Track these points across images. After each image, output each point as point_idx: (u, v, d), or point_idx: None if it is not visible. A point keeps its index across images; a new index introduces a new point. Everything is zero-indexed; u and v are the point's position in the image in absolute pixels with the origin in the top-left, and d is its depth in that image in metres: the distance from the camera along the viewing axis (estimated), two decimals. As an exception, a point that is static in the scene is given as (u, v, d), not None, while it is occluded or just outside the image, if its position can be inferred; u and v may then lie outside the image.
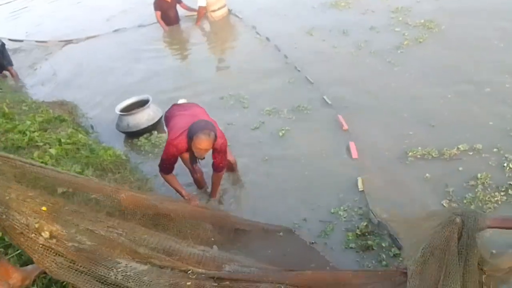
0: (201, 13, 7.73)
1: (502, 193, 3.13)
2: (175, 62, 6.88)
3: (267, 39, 6.64)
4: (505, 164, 3.37)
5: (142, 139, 4.74)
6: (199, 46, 7.22)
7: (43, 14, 10.60)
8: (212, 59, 6.78)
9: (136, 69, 6.65)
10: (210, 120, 3.19)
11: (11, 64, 7.03)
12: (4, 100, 4.93)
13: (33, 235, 1.82)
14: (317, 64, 5.59)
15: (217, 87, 5.57)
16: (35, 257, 1.92)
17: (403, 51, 5.42)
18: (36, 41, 8.22)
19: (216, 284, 2.05)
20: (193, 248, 2.32)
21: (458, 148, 3.61)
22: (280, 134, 4.36)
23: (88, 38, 8.21)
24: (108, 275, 1.87)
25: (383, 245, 2.99)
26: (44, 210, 1.87)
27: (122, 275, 1.88)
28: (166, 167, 3.20)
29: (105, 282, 1.87)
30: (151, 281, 1.91)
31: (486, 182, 3.25)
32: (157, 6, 7.69)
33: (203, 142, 2.95)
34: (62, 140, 3.86)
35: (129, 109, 4.85)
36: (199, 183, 3.72)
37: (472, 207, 3.06)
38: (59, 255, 1.93)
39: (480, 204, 3.09)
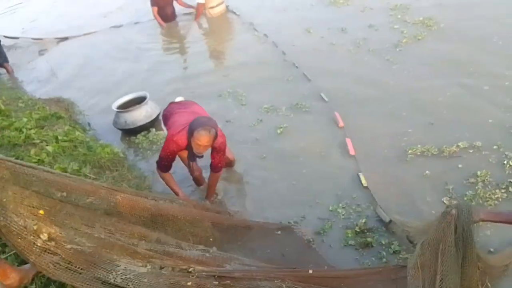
0: (200, 10, 7.69)
1: (502, 191, 3.12)
2: (172, 59, 6.83)
3: (265, 35, 6.62)
4: (505, 162, 3.36)
5: (139, 136, 4.71)
6: (197, 43, 7.17)
7: (39, 10, 10.53)
8: (210, 56, 6.74)
9: (132, 66, 6.61)
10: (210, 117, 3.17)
11: (7, 61, 6.98)
12: (0, 97, 4.87)
13: (31, 237, 1.80)
14: (315, 62, 5.56)
15: (215, 85, 5.54)
16: (32, 258, 1.89)
17: (401, 49, 5.41)
18: (32, 38, 8.14)
19: (217, 282, 2.03)
20: (193, 248, 2.30)
21: (457, 145, 3.61)
22: (278, 131, 4.34)
23: (84, 34, 8.15)
24: (107, 277, 1.85)
25: (383, 242, 2.98)
26: (41, 214, 1.83)
27: (122, 278, 1.86)
28: (164, 164, 3.17)
29: (104, 283, 1.84)
30: (151, 282, 1.88)
31: (486, 179, 3.25)
32: (154, 2, 7.65)
33: (203, 138, 2.92)
34: (59, 138, 3.82)
35: (126, 106, 4.81)
36: (198, 181, 3.70)
37: (473, 204, 3.06)
38: (57, 256, 1.91)
39: (481, 202, 3.07)
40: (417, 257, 2.18)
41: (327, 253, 2.96)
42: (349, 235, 3.08)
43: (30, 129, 3.97)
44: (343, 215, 3.27)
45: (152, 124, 4.81)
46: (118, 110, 4.69)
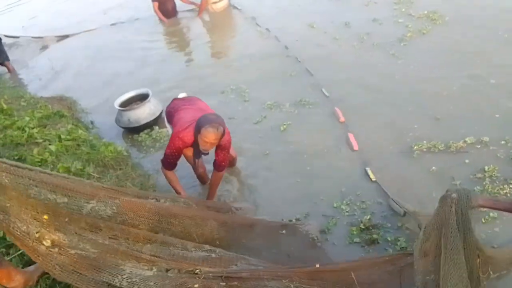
0: (204, 5, 7.61)
1: (511, 186, 3.09)
2: (174, 55, 6.78)
3: (267, 30, 6.56)
4: (513, 157, 3.33)
5: (142, 134, 4.68)
6: (198, 38, 7.11)
7: (38, 7, 10.46)
8: (212, 52, 6.68)
9: (134, 62, 6.56)
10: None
11: (8, 59, 6.95)
12: (2, 96, 4.86)
13: (34, 243, 1.77)
14: (319, 57, 5.51)
15: (217, 81, 5.50)
16: (39, 260, 1.87)
17: (406, 43, 5.35)
18: (33, 37, 8.10)
19: (224, 283, 2.00)
20: (199, 249, 2.27)
21: (465, 141, 3.57)
22: (282, 128, 4.31)
23: (85, 32, 8.10)
24: (113, 281, 1.83)
25: (389, 238, 2.96)
26: (45, 219, 1.80)
27: (127, 282, 1.84)
28: (170, 162, 3.12)
29: (110, 286, 1.82)
30: (157, 285, 1.86)
31: (494, 174, 3.22)
32: (155, -4, 7.56)
33: (211, 135, 2.88)
34: (62, 136, 3.79)
35: (128, 103, 4.78)
36: (202, 179, 3.67)
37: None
38: (62, 259, 1.89)
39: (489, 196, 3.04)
40: (421, 243, 2.17)
41: (332, 251, 2.94)
42: (354, 232, 3.06)
43: (33, 128, 3.95)
44: (347, 212, 3.24)
45: (156, 121, 4.78)
46: (121, 108, 4.65)
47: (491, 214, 2.88)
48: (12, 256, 2.39)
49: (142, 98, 4.82)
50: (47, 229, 1.91)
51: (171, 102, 3.47)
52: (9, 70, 6.98)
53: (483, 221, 2.86)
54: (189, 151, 3.29)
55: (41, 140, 3.74)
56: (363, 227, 3.08)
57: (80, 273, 1.92)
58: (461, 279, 1.93)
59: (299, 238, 3.04)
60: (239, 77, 5.43)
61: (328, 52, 5.60)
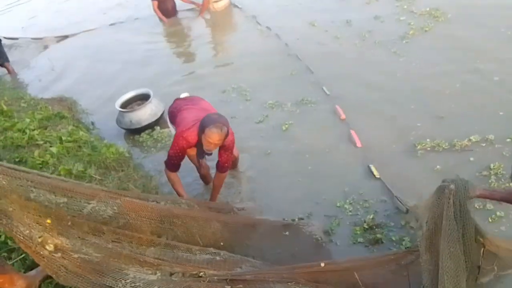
0: (206, 5, 7.55)
1: (517, 183, 3.05)
2: (174, 54, 6.75)
3: (268, 28, 6.52)
4: (519, 154, 3.30)
5: (144, 135, 4.65)
6: (199, 38, 7.06)
7: (38, 7, 10.43)
8: (212, 51, 6.64)
9: (134, 62, 6.52)
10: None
11: (8, 60, 6.92)
12: (2, 97, 4.83)
13: (37, 247, 1.75)
14: (320, 56, 5.47)
15: (218, 80, 5.46)
16: (43, 262, 1.85)
17: (408, 41, 5.31)
18: (32, 38, 8.07)
19: (229, 287, 1.98)
20: (203, 251, 2.25)
21: (469, 139, 3.54)
22: (283, 128, 4.28)
23: (84, 32, 8.07)
24: (116, 286, 1.80)
25: (393, 238, 2.94)
26: (48, 223, 1.78)
27: (131, 286, 1.81)
28: (173, 163, 3.08)
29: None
30: (161, 288, 1.84)
31: (500, 172, 3.19)
32: (154, -5, 7.52)
33: (215, 136, 2.84)
34: (63, 138, 3.76)
35: (128, 104, 4.75)
36: (205, 179, 3.65)
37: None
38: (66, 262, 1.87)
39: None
40: (426, 239, 2.15)
41: (336, 252, 2.92)
42: (358, 232, 3.04)
43: (33, 129, 3.92)
44: (350, 211, 3.22)
45: (157, 122, 4.75)
46: (123, 110, 4.61)
47: (497, 213, 2.85)
48: (14, 260, 2.37)
49: (142, 98, 4.78)
50: (50, 233, 1.89)
51: (174, 102, 3.44)
52: (9, 71, 6.95)
53: (490, 220, 2.84)
54: (193, 151, 3.26)
55: (42, 142, 3.71)
56: (366, 226, 3.06)
57: (84, 277, 1.90)
58: (458, 273, 1.91)
59: (303, 238, 3.03)
60: (240, 76, 5.40)
61: (329, 51, 5.57)
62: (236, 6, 7.75)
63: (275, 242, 2.91)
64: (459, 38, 5.10)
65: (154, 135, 4.62)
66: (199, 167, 3.54)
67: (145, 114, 4.62)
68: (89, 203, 2.16)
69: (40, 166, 3.29)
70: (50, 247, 1.81)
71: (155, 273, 2.07)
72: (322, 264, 2.34)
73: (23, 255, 2.42)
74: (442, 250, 1.95)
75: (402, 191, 3.25)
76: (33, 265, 2.35)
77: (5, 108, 4.39)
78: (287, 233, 3.01)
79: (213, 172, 3.49)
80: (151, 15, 7.80)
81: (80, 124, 4.72)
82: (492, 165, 3.24)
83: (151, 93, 4.74)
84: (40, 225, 1.78)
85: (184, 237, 2.51)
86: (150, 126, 4.69)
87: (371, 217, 3.10)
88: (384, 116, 4.14)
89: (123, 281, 1.88)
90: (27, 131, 3.85)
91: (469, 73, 4.44)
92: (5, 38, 7.30)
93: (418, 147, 3.62)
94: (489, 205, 2.92)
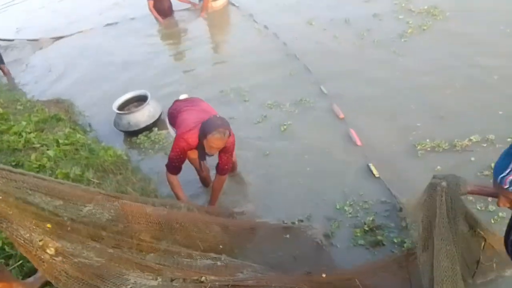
0: (206, 4, 7.47)
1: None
2: (171, 55, 6.71)
3: (266, 27, 6.49)
4: (520, 154, 3.27)
5: (141, 136, 4.61)
6: (196, 37, 7.00)
7: (33, 7, 10.34)
8: (210, 51, 6.59)
9: (130, 63, 6.46)
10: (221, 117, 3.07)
11: (3, 62, 6.85)
12: (-3, 100, 4.77)
13: (38, 251, 1.71)
14: (318, 55, 5.45)
15: (216, 80, 5.42)
16: (43, 267, 1.82)
17: (407, 39, 5.29)
18: (28, 40, 8.00)
19: (231, 292, 1.95)
20: (203, 257, 2.22)
21: (470, 139, 3.52)
22: (282, 129, 4.24)
23: (80, 33, 8.00)
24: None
25: (395, 240, 2.92)
26: (49, 227, 1.75)
27: (132, 292, 1.78)
28: (175, 166, 3.04)
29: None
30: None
31: (501, 171, 3.16)
32: (150, -5, 7.46)
33: (218, 142, 2.84)
34: (60, 141, 3.72)
35: (126, 105, 4.70)
36: (205, 182, 3.63)
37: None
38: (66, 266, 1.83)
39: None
40: (423, 240, 2.13)
41: (337, 255, 2.89)
42: (358, 234, 3.02)
43: (30, 132, 3.87)
44: (350, 213, 3.20)
45: (155, 124, 4.71)
46: (121, 112, 4.57)
47: (500, 214, 2.83)
48: (12, 267, 2.34)
49: (139, 99, 4.74)
50: (51, 237, 1.86)
51: (173, 103, 3.40)
52: (4, 73, 6.88)
53: (493, 221, 2.82)
54: (193, 154, 3.24)
55: (38, 145, 3.67)
56: (367, 228, 3.04)
57: (84, 282, 1.87)
58: (455, 272, 1.90)
59: (303, 241, 3.00)
60: (238, 76, 5.36)
61: (327, 50, 5.54)
62: (233, 4, 7.70)
63: (275, 246, 2.88)
64: (457, 36, 5.08)
65: (151, 137, 4.58)
66: (199, 170, 3.51)
67: (143, 116, 4.58)
68: (85, 206, 2.13)
69: (37, 169, 3.25)
70: (51, 251, 1.78)
71: (156, 279, 2.05)
72: (324, 275, 2.32)
73: (20, 262, 2.39)
74: (438, 250, 1.93)
75: (402, 192, 3.22)
76: (31, 272, 2.32)
77: (1, 110, 4.34)
78: (287, 236, 2.99)
79: (212, 174, 3.46)
80: (147, 14, 7.73)
81: (77, 126, 4.67)
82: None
83: (149, 95, 4.70)
84: (41, 229, 1.76)
85: (184, 242, 2.48)
86: (148, 128, 4.65)
87: (371, 218, 3.08)
88: (384, 116, 4.11)
89: (123, 287, 1.84)
90: (24, 134, 3.80)
91: (469, 72, 4.43)
92: (0, 39, 7.22)
93: (418, 147, 3.60)
94: (491, 207, 2.90)
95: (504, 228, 2.75)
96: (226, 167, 3.16)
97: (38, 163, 3.30)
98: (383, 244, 2.91)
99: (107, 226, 2.19)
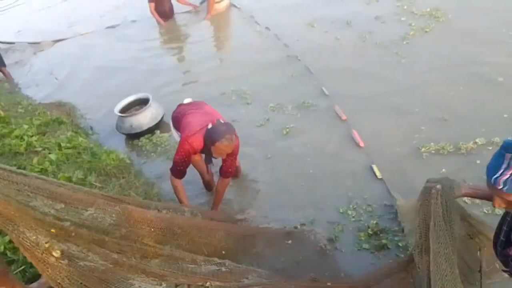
0: (212, 6, 7.44)
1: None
2: (173, 57, 6.68)
3: (267, 28, 6.48)
4: (526, 157, 3.25)
5: (143, 139, 4.59)
6: (197, 40, 6.99)
7: (34, 9, 10.33)
8: (211, 53, 6.57)
9: (131, 66, 6.45)
10: (226, 121, 3.05)
11: (4, 65, 6.83)
12: (-2, 103, 4.74)
13: (43, 255, 1.69)
14: (320, 57, 5.43)
15: (218, 83, 5.40)
16: (47, 272, 1.79)
17: (409, 41, 5.27)
18: (29, 42, 7.99)
19: (237, 299, 1.93)
20: (208, 262, 2.19)
21: (475, 142, 3.50)
22: (284, 132, 4.22)
23: (81, 35, 7.99)
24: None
25: (400, 244, 2.89)
26: (53, 232, 1.73)
27: (137, 297, 1.76)
28: (179, 170, 3.02)
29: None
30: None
31: (508, 174, 3.14)
32: (151, -3, 7.44)
33: (226, 148, 2.85)
34: (62, 144, 3.69)
35: (127, 109, 4.68)
36: (209, 186, 3.61)
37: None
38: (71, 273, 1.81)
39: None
40: (422, 244, 2.11)
41: (341, 259, 2.88)
42: (362, 238, 3.00)
43: (32, 136, 3.84)
44: (353, 217, 3.18)
45: (158, 126, 4.69)
46: (123, 114, 4.55)
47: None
48: (14, 272, 2.30)
49: (141, 103, 4.72)
50: (56, 239, 1.84)
51: (177, 107, 3.39)
52: (5, 76, 6.86)
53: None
54: (197, 157, 3.23)
55: (40, 149, 3.63)
56: (371, 232, 3.02)
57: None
58: (455, 276, 1.88)
59: (307, 246, 2.98)
60: (240, 78, 5.34)
61: (329, 52, 5.52)
62: (235, 6, 7.69)
63: (278, 251, 2.86)
64: (460, 38, 5.07)
65: (153, 139, 4.56)
66: (202, 174, 3.49)
67: (145, 118, 4.56)
68: (86, 210, 2.11)
69: (39, 173, 3.20)
70: (56, 253, 1.76)
71: (160, 284, 2.03)
72: (329, 284, 2.30)
73: (23, 267, 2.36)
74: (436, 253, 1.91)
75: (407, 195, 3.19)
76: (34, 278, 2.29)
77: (2, 113, 4.31)
78: (289, 241, 2.96)
79: (216, 178, 3.44)
80: (148, 17, 7.72)
81: (79, 129, 4.65)
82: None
83: (150, 97, 4.68)
84: (46, 231, 1.74)
85: (188, 247, 2.45)
86: (151, 130, 4.63)
87: (375, 222, 3.07)
88: (386, 118, 4.10)
89: (128, 292, 1.82)
90: (25, 137, 3.77)
91: (472, 74, 4.41)
92: (1, 42, 7.21)
93: (423, 149, 3.58)
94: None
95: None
96: (230, 170, 3.14)
97: (40, 167, 3.27)
98: (388, 248, 2.89)
99: (109, 231, 2.17)
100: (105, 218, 2.17)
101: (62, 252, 1.82)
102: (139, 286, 1.91)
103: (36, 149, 3.63)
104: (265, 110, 4.64)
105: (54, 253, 1.80)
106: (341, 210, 3.24)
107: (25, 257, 2.34)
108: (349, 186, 3.44)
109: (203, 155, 3.20)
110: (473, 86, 4.23)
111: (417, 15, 5.80)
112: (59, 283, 1.82)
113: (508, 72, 4.28)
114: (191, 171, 3.52)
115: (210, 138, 2.83)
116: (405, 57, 4.99)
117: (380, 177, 3.41)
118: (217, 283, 2.03)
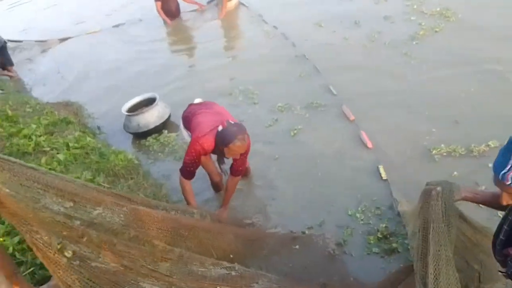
0: (225, 5, 7.38)
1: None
2: (179, 57, 6.67)
3: (275, 27, 6.45)
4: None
5: (150, 139, 4.57)
6: (204, 38, 6.96)
7: (40, 8, 10.36)
8: (219, 52, 6.53)
9: (138, 65, 6.44)
10: (236, 121, 3.04)
11: (12, 64, 6.85)
12: (7, 102, 4.73)
13: (55, 255, 1.69)
14: (328, 56, 5.39)
15: (225, 82, 5.38)
16: (59, 274, 1.78)
17: (418, 41, 5.22)
18: (36, 41, 8.00)
19: (248, 304, 1.90)
20: (217, 265, 2.17)
21: (487, 144, 3.45)
22: (292, 133, 4.19)
23: (88, 34, 7.99)
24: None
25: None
26: (65, 234, 1.72)
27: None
28: (189, 170, 3.02)
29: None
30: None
31: (520, 177, 3.09)
32: (157, -4, 7.42)
33: (240, 149, 2.87)
34: (70, 144, 3.68)
35: (134, 109, 4.67)
36: (217, 187, 3.60)
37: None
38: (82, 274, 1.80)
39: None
40: (423, 248, 2.07)
41: (350, 264, 2.83)
42: (372, 241, 2.96)
43: (40, 136, 3.83)
44: (362, 219, 3.14)
45: (164, 125, 4.68)
46: (130, 113, 4.54)
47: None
48: (23, 274, 2.30)
49: (148, 103, 4.71)
50: (68, 240, 1.83)
51: (188, 107, 3.38)
52: (13, 75, 6.86)
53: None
54: (206, 158, 3.22)
55: (48, 149, 3.62)
56: (380, 236, 2.98)
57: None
58: (456, 280, 1.85)
59: (315, 251, 2.94)
60: (247, 78, 5.31)
61: (337, 52, 5.48)
62: (243, 4, 7.64)
63: (286, 255, 2.83)
64: (471, 38, 5.00)
65: (160, 139, 4.55)
66: (211, 175, 3.48)
67: (152, 116, 4.56)
68: (95, 209, 2.09)
69: (47, 174, 3.21)
70: (68, 254, 1.76)
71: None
72: None
73: (32, 269, 2.36)
74: (436, 256, 1.88)
75: (415, 198, 3.17)
76: (43, 280, 2.28)
77: (10, 113, 4.30)
78: (297, 246, 2.93)
79: (224, 179, 3.42)
80: (155, 16, 7.71)
81: (87, 129, 4.64)
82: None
83: (157, 96, 4.67)
84: (59, 231, 1.73)
85: (197, 249, 2.43)
86: (158, 129, 4.62)
87: (384, 225, 3.03)
88: (397, 120, 4.05)
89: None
90: (34, 137, 3.76)
91: (484, 75, 4.34)
92: (9, 41, 7.22)
93: (434, 152, 3.54)
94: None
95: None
96: (241, 168, 3.16)
97: (49, 167, 3.26)
98: (398, 252, 2.85)
99: (118, 232, 2.16)
100: (113, 218, 2.16)
101: (74, 252, 1.82)
102: (150, 290, 1.89)
103: (44, 149, 3.63)
104: (273, 110, 4.61)
105: (66, 253, 1.80)
106: (349, 213, 3.20)
107: (33, 259, 2.36)
108: (357, 188, 3.40)
109: (213, 156, 3.19)
110: (485, 87, 4.17)
111: (427, 14, 5.74)
112: (70, 286, 1.81)
113: (520, 73, 4.22)
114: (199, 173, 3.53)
115: (223, 140, 2.83)
116: (415, 58, 4.93)
117: (385, 178, 3.38)
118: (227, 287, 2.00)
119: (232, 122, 2.93)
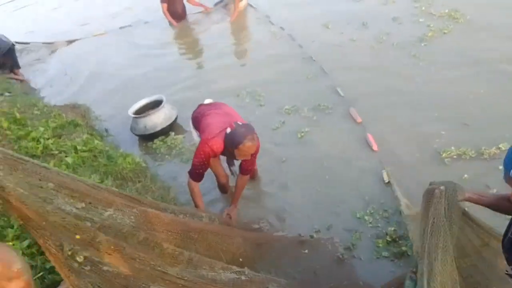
0: (237, 8, 7.33)
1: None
2: (186, 58, 6.66)
3: (282, 28, 6.42)
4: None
5: (157, 141, 4.56)
6: (210, 40, 6.94)
7: (46, 9, 10.39)
8: (225, 53, 6.48)
9: (144, 67, 6.42)
10: (245, 122, 3.04)
11: (18, 67, 6.86)
12: (15, 105, 4.75)
13: (68, 260, 1.69)
14: (335, 59, 5.35)
15: (232, 84, 5.35)
16: (71, 279, 1.78)
17: (427, 43, 5.18)
18: (43, 43, 8.04)
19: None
20: (227, 270, 2.16)
21: (498, 147, 3.41)
22: (299, 136, 4.16)
23: (94, 36, 8.01)
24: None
25: (420, 251, 2.81)
26: (78, 238, 1.72)
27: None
28: (198, 173, 3.01)
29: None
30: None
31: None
32: (163, -2, 7.41)
33: (250, 149, 2.87)
34: (78, 148, 3.68)
35: (141, 112, 4.67)
36: (224, 188, 3.59)
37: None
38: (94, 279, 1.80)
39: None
40: (423, 246, 2.05)
41: (360, 267, 2.82)
42: (380, 245, 2.94)
43: (48, 139, 3.83)
44: (370, 222, 3.13)
45: (171, 127, 4.67)
46: (137, 116, 4.54)
47: None
48: (33, 278, 2.29)
49: (155, 105, 4.71)
50: (80, 244, 1.83)
51: (197, 107, 3.39)
52: (19, 78, 6.88)
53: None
54: (214, 160, 3.21)
55: (56, 152, 3.63)
56: (389, 239, 2.96)
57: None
58: (454, 282, 1.82)
59: (324, 255, 2.93)
60: (254, 80, 5.29)
61: (345, 53, 5.45)
62: (251, 6, 7.63)
63: (295, 259, 2.82)
64: (480, 39, 4.96)
65: (167, 141, 4.53)
66: (219, 177, 3.48)
67: (159, 118, 4.55)
68: (106, 211, 2.09)
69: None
70: (80, 258, 1.76)
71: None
72: None
73: (41, 273, 2.35)
74: (435, 250, 1.86)
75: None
76: (52, 285, 2.27)
77: (18, 116, 4.31)
78: (306, 251, 2.92)
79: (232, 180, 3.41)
80: (161, 18, 7.70)
81: (94, 131, 4.65)
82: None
83: (164, 98, 4.67)
84: (72, 235, 1.73)
85: (207, 253, 2.42)
86: (165, 131, 4.61)
87: (393, 228, 3.00)
88: (405, 122, 4.02)
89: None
90: (42, 140, 3.77)
91: (493, 76, 4.31)
92: (17, 43, 7.25)
93: (443, 155, 3.50)
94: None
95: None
96: (250, 168, 3.17)
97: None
98: (408, 255, 2.83)
99: (129, 234, 2.16)
100: (124, 219, 2.16)
101: (86, 257, 1.82)
102: (160, 295, 1.88)
103: (52, 152, 3.63)
104: (280, 113, 4.59)
105: (77, 258, 1.80)
106: (358, 215, 3.19)
107: (43, 263, 2.36)
108: (364, 190, 3.39)
109: (222, 157, 3.18)
110: (495, 88, 4.14)
111: (436, 16, 5.69)
112: (81, 289, 1.81)
113: (530, 74, 4.17)
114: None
115: (232, 142, 2.83)
116: (423, 59, 4.89)
117: (387, 181, 3.36)
118: (238, 293, 1.99)
119: (240, 123, 2.93)
